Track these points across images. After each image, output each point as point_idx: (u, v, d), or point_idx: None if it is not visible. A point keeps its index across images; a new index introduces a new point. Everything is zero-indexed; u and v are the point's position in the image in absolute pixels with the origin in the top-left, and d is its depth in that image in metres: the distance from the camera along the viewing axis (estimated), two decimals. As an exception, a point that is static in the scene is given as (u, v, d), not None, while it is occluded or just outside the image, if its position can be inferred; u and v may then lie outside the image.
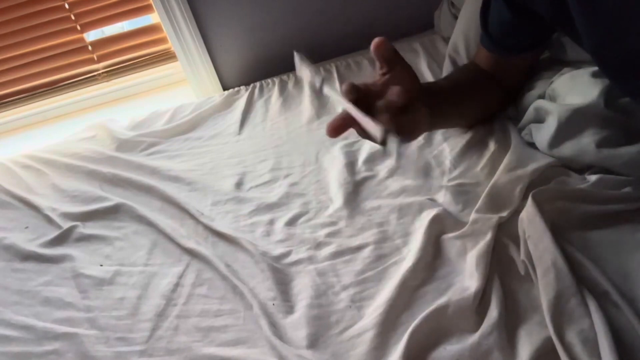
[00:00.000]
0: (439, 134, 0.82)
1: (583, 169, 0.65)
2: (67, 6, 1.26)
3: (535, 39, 0.71)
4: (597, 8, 0.51)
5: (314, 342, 0.56)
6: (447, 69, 0.98)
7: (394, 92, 0.50)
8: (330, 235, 0.70)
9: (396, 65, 0.56)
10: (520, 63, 0.76)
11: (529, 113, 0.72)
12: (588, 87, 0.65)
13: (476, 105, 0.76)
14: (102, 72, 1.39)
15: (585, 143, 0.63)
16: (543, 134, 0.68)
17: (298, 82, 1.17)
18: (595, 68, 0.67)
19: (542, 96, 0.74)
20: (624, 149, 0.60)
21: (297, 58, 0.55)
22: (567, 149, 0.65)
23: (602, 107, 0.62)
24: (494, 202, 0.64)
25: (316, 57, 1.28)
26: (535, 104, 0.71)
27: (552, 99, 0.72)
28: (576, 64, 0.73)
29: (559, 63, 0.76)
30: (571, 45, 0.74)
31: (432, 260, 0.61)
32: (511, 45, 0.71)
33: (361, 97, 0.51)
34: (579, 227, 0.57)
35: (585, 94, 0.64)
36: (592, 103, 0.62)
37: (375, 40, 0.55)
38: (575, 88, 0.67)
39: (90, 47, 1.34)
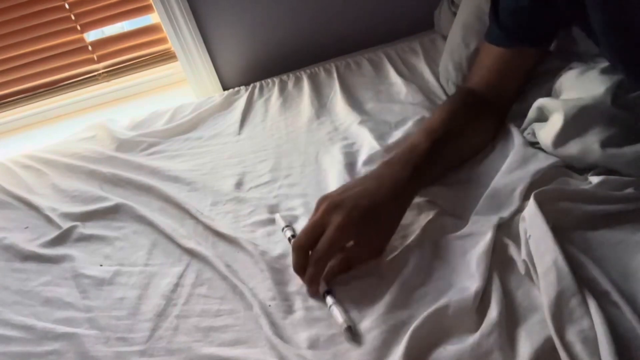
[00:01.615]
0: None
1: (585, 169, 0.65)
2: (67, 6, 1.26)
3: (545, 28, 0.71)
4: None
5: (314, 343, 0.56)
6: (443, 74, 0.98)
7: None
8: (330, 235, 0.70)
9: None
10: (524, 61, 0.75)
11: (532, 112, 0.72)
12: (595, 85, 0.64)
13: (464, 156, 0.75)
14: (102, 72, 1.39)
15: (590, 142, 0.62)
16: (548, 132, 0.67)
17: (298, 82, 1.17)
18: (604, 65, 0.66)
19: (548, 90, 0.74)
20: (628, 148, 0.60)
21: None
22: (572, 147, 0.64)
23: (608, 105, 0.62)
24: (495, 202, 0.64)
25: (316, 57, 1.28)
26: (538, 103, 0.70)
27: (558, 93, 0.71)
28: (586, 58, 0.72)
29: (568, 55, 0.76)
30: (581, 38, 0.74)
31: (432, 261, 0.61)
32: (521, 34, 0.71)
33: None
34: (580, 228, 0.57)
35: (592, 91, 0.64)
36: (599, 101, 0.62)
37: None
38: (582, 85, 0.67)
39: (90, 47, 1.34)
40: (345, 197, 0.61)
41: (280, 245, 0.71)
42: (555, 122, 0.65)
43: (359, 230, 0.59)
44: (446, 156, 0.70)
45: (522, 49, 0.73)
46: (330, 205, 0.60)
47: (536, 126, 0.71)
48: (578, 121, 0.63)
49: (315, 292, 0.60)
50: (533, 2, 0.66)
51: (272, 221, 0.76)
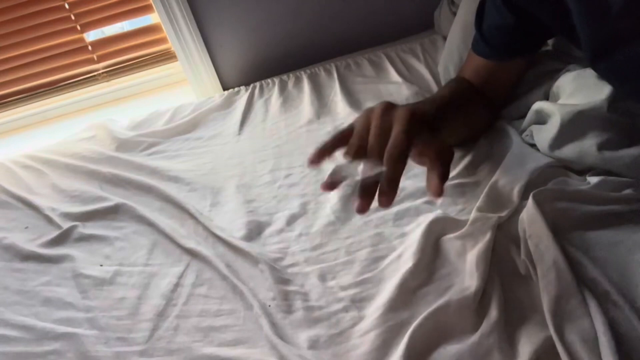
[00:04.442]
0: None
1: (584, 170, 0.65)
2: (67, 6, 1.26)
3: (532, 42, 0.71)
4: (604, 11, 0.51)
5: (314, 343, 0.56)
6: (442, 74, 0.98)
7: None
8: (328, 236, 0.70)
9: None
10: (510, 71, 0.75)
11: (530, 115, 0.72)
12: (593, 89, 0.64)
13: (470, 118, 0.75)
14: (102, 72, 1.39)
15: (586, 145, 0.62)
16: (544, 135, 0.67)
17: (298, 82, 1.17)
18: None
19: (546, 92, 0.74)
20: (625, 151, 0.60)
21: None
22: (569, 150, 0.64)
23: (605, 110, 0.62)
24: (493, 201, 0.64)
25: (316, 57, 1.28)
26: (536, 106, 0.71)
27: (556, 96, 0.71)
28: (583, 60, 0.72)
29: (566, 57, 0.76)
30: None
31: (432, 261, 0.61)
32: (505, 49, 0.71)
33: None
34: (579, 228, 0.57)
35: (589, 95, 0.64)
36: (596, 105, 0.62)
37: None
38: (580, 88, 0.67)
39: (90, 47, 1.34)
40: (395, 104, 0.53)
41: (280, 245, 0.71)
42: (552, 126, 0.66)
43: (422, 126, 0.50)
44: (451, 122, 0.66)
45: (507, 60, 0.73)
46: (384, 107, 0.51)
47: (534, 128, 0.71)
48: (575, 125, 0.63)
49: (391, 199, 0.47)
50: (518, 19, 0.65)
51: (271, 222, 0.76)
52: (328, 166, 0.84)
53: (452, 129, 0.69)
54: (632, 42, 0.51)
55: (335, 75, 1.15)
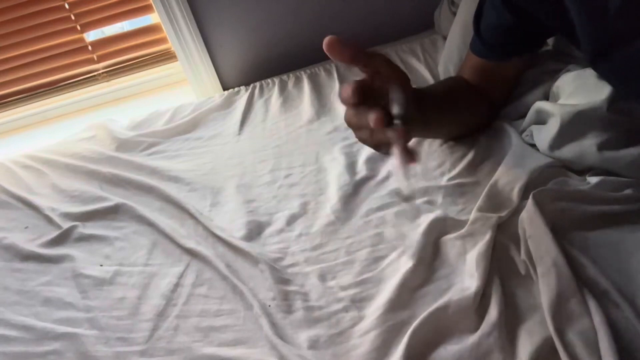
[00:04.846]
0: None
1: (583, 170, 0.65)
2: (67, 6, 1.26)
3: (530, 42, 0.71)
4: (603, 11, 0.51)
5: (314, 343, 0.56)
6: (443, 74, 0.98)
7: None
8: (328, 236, 0.70)
9: (375, 65, 0.48)
10: (509, 71, 0.75)
11: (530, 115, 0.72)
12: (593, 89, 0.64)
13: (465, 114, 0.75)
14: (102, 72, 1.39)
15: (586, 145, 0.62)
16: (544, 136, 0.67)
17: (298, 82, 1.17)
18: None
19: (546, 92, 0.74)
20: (625, 151, 0.60)
21: None
22: (568, 151, 0.64)
23: (605, 110, 0.62)
24: (493, 201, 0.64)
25: (316, 57, 1.28)
26: (536, 106, 0.71)
27: (556, 96, 0.71)
28: (583, 60, 0.72)
29: (566, 57, 0.76)
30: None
31: (432, 261, 0.61)
32: (504, 49, 0.71)
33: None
34: (579, 228, 0.57)
35: (589, 95, 0.64)
36: (596, 105, 0.62)
37: (326, 41, 0.42)
38: (580, 88, 0.67)
39: (90, 47, 1.34)
40: None
41: (280, 245, 0.71)
42: (552, 126, 0.66)
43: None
44: (441, 113, 0.67)
45: (504, 60, 0.73)
46: None
47: (534, 128, 0.71)
48: (574, 125, 0.63)
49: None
50: (515, 18, 0.65)
51: (271, 222, 0.76)
52: (328, 165, 0.85)
53: (437, 119, 0.69)
54: (631, 42, 0.51)
55: (335, 75, 1.15)
